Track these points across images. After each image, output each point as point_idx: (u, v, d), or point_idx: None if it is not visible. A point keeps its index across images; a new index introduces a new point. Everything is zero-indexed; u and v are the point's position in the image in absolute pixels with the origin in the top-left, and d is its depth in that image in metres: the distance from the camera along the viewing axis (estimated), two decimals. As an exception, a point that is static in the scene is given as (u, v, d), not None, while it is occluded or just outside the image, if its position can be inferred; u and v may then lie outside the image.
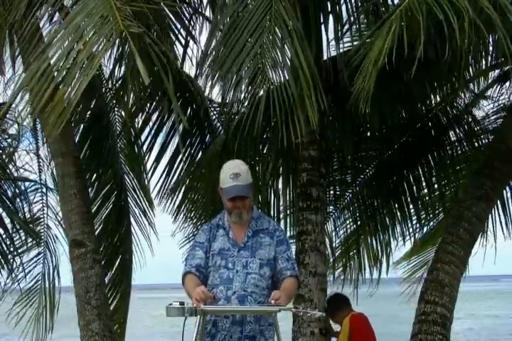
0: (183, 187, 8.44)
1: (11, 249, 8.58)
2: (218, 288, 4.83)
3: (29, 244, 8.67)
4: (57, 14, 6.85)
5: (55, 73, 5.73)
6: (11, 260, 8.57)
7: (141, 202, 8.84)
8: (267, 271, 4.86)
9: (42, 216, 8.81)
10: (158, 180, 8.45)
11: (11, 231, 8.57)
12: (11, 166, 8.70)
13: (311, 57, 6.14)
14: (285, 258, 4.88)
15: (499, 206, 8.75)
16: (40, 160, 8.87)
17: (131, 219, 8.82)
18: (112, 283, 8.62)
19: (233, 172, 4.82)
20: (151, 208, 8.87)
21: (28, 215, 8.78)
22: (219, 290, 4.81)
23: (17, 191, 8.74)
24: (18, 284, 8.61)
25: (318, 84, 6.06)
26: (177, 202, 8.51)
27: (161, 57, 5.93)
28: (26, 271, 8.63)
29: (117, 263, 8.68)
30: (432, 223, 9.18)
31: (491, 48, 6.86)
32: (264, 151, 8.34)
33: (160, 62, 5.89)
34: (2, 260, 8.55)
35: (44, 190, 8.87)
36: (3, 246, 8.55)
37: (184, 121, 7.40)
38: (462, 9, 5.24)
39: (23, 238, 8.65)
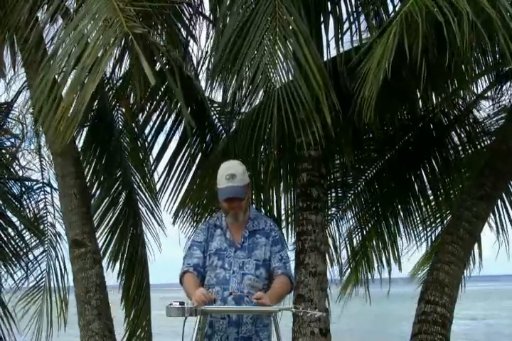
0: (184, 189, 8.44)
1: (17, 249, 8.61)
2: (214, 288, 4.84)
3: (33, 243, 8.71)
4: (60, 18, 6.84)
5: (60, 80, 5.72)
6: (22, 257, 8.60)
7: (148, 201, 8.84)
8: (263, 271, 4.88)
9: (45, 214, 8.84)
10: (158, 180, 8.46)
11: (19, 229, 8.62)
12: (14, 165, 8.74)
13: (319, 58, 6.15)
14: (278, 259, 4.90)
15: (507, 206, 8.72)
16: (42, 159, 8.92)
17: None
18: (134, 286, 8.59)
19: (228, 173, 4.83)
20: (157, 208, 8.88)
21: (30, 214, 8.81)
22: (215, 291, 4.82)
23: (22, 189, 8.78)
24: (27, 279, 8.63)
25: (329, 85, 6.07)
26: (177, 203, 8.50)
27: (170, 59, 5.91)
28: (32, 268, 8.65)
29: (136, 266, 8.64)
30: (440, 227, 9.12)
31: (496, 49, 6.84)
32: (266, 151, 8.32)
33: (168, 63, 5.87)
34: (13, 258, 8.57)
35: (47, 188, 8.93)
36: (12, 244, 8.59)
37: (192, 123, 7.39)
38: (461, 10, 5.23)
39: (29, 237, 8.69)
